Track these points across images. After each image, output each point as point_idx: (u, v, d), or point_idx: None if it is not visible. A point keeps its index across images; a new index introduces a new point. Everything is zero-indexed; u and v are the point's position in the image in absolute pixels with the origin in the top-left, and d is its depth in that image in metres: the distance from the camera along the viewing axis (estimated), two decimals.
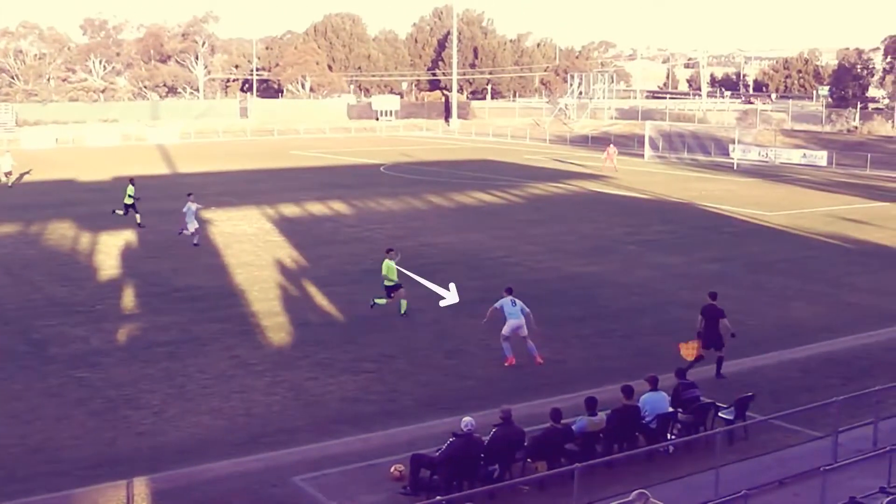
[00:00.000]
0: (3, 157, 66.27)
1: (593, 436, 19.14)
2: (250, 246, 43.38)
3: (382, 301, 31.03)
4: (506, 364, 25.95)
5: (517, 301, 26.20)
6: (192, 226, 43.14)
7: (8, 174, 65.20)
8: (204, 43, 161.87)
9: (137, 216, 48.07)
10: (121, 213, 48.64)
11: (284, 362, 26.28)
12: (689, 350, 25.17)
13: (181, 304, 32.57)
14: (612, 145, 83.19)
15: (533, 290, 34.35)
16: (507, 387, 24.23)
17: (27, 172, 71.16)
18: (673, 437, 20.08)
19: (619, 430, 19.48)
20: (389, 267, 30.81)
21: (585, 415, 19.16)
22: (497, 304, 26.32)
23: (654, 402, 20.02)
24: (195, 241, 42.91)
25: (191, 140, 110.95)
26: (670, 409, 20.18)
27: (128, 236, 45.28)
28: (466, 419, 18.04)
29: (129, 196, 48.31)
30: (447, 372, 25.64)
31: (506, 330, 26.10)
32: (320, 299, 33.57)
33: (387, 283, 30.90)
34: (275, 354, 27.11)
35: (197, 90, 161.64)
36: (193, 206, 43.31)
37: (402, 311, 31.05)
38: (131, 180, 49.93)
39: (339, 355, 26.82)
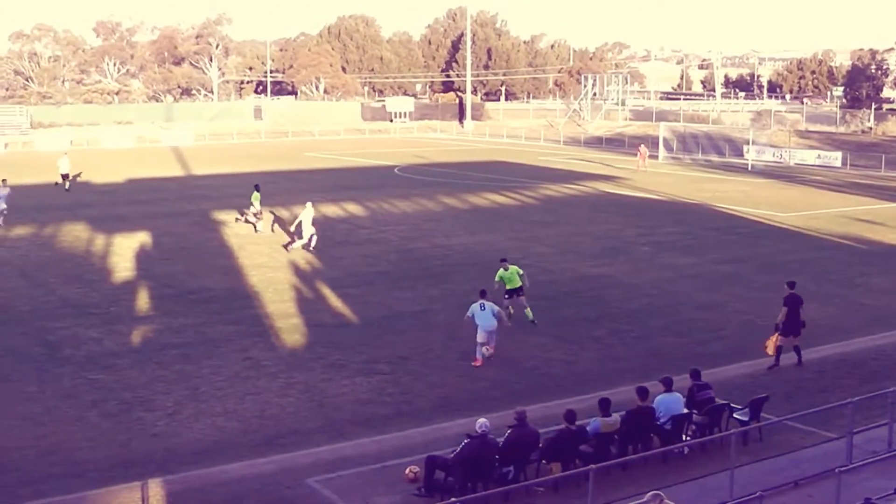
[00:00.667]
0: (62, 159, 65.65)
1: (608, 437, 19.10)
2: (264, 248, 43.41)
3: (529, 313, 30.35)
4: (473, 364, 26.05)
5: (486, 304, 26.18)
6: (254, 210, 47.72)
7: (66, 177, 64.93)
8: (218, 45, 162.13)
9: (256, 224, 48.25)
10: (243, 219, 49.71)
11: (298, 364, 26.29)
12: (771, 343, 25.37)
13: (195, 306, 32.60)
14: (642, 145, 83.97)
15: (546, 291, 34.37)
16: (521, 388, 24.21)
17: (79, 174, 71.03)
18: (688, 438, 20.04)
19: (633, 431, 19.44)
20: (503, 276, 30.44)
21: (599, 416, 19.13)
22: (469, 314, 26.33)
23: (669, 403, 19.98)
24: (257, 228, 47.27)
25: (205, 142, 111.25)
26: (685, 411, 20.13)
27: (142, 238, 45.37)
28: (481, 420, 18.03)
29: (253, 203, 48.52)
30: (461, 373, 25.60)
31: (480, 337, 26.17)
32: (334, 301, 33.57)
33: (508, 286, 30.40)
34: (289, 356, 27.11)
35: (211, 92, 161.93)
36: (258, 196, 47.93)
37: (531, 319, 30.21)
38: (256, 187, 49.82)
39: (353, 357, 26.82)
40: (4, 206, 48.15)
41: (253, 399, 23.37)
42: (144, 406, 22.87)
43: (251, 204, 48.18)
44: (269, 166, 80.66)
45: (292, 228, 43.51)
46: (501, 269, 30.60)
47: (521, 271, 30.38)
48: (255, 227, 47.79)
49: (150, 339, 28.80)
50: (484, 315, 26.01)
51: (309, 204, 43.00)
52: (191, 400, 23.28)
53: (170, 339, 28.69)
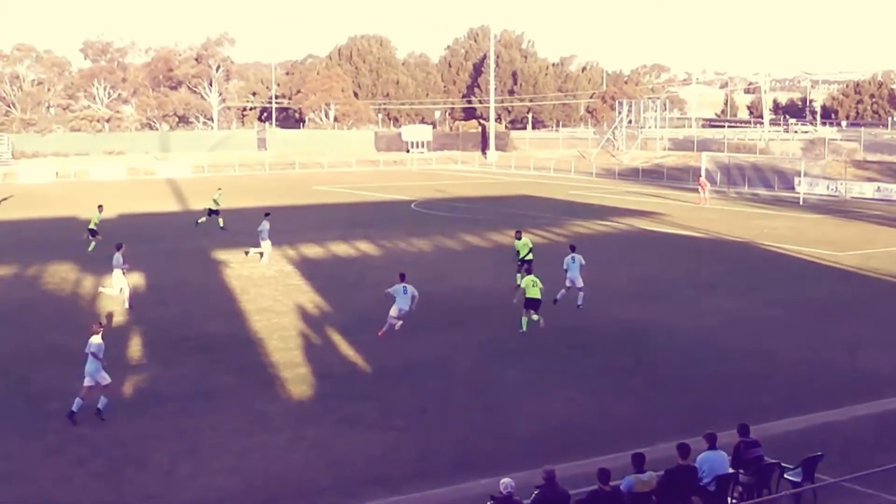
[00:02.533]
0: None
1: (644, 497, 19.03)
2: (269, 290, 43.55)
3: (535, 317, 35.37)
4: (378, 334, 33.85)
5: (409, 287, 34.06)
6: (266, 245, 50.40)
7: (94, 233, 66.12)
8: (218, 68, 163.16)
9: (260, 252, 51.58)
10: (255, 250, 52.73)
11: (306, 417, 26.32)
12: None
13: (193, 354, 32.67)
14: (702, 178, 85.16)
15: (578, 337, 34.44)
16: (550, 445, 24.18)
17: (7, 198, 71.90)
18: (734, 500, 19.96)
19: (673, 492, 19.36)
20: (517, 246, 42.32)
21: (633, 473, 19.08)
22: (391, 290, 34.22)
23: (713, 461, 19.89)
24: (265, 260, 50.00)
25: (204, 174, 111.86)
26: (730, 470, 20.05)
27: (134, 279, 45.51)
28: (505, 481, 18.00)
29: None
30: (484, 428, 25.59)
31: (393, 312, 33.88)
32: (345, 348, 33.63)
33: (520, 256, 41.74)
34: (296, 409, 27.15)
35: (211, 119, 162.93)
36: (268, 224, 50.63)
37: (526, 327, 35.26)
38: (266, 214, 52.46)
39: (366, 410, 26.84)
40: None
41: (256, 456, 23.38)
42: (137, 464, 22.88)
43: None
44: (275, 201, 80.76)
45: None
46: (516, 240, 42.34)
47: (530, 244, 42.68)
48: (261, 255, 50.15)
49: (144, 389, 28.86)
50: (405, 298, 33.93)
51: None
52: (188, 457, 23.30)
53: (165, 389, 28.74)
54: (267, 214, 52.03)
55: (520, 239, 43.11)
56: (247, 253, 51.58)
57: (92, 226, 54.37)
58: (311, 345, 34.08)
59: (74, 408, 25.64)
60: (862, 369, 31.32)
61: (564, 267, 39.31)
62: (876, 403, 27.58)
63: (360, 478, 22.21)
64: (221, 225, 60.74)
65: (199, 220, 61.65)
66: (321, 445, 24.18)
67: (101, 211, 56.35)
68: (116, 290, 40.67)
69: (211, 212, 61.77)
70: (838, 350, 33.55)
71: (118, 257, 40.39)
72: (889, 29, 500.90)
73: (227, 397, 27.95)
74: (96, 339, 25.95)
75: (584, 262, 39.51)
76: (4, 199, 72.03)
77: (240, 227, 61.36)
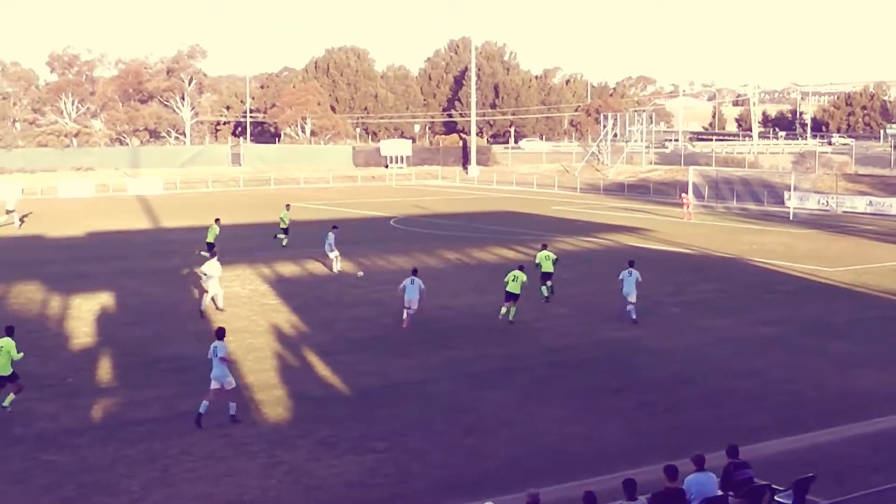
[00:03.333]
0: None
1: None
2: (244, 310, 43.47)
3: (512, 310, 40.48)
4: (403, 326, 38.94)
5: (416, 279, 38.93)
6: (333, 255, 53.70)
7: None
8: (191, 81, 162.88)
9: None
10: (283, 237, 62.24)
11: (282, 441, 26.24)
12: None
13: (165, 377, 32.58)
14: (684, 194, 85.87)
15: (563, 357, 34.53)
16: (534, 467, 24.17)
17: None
18: None
19: None
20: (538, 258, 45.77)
21: (624, 499, 19.08)
22: (402, 285, 39.06)
23: (701, 484, 19.90)
24: (336, 269, 53.59)
25: (176, 191, 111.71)
26: (719, 493, 20.06)
27: (105, 299, 45.45)
28: None
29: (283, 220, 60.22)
30: (466, 451, 25.57)
31: (406, 303, 38.93)
32: (322, 369, 33.58)
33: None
34: (271, 432, 27.07)
35: (183, 134, 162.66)
36: (332, 235, 53.94)
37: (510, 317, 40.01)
38: (335, 227, 55.77)
39: (344, 433, 26.79)
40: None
41: (230, 482, 23.29)
42: (106, 491, 22.77)
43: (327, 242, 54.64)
44: (249, 218, 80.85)
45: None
46: (539, 253, 46.12)
47: (554, 256, 46.11)
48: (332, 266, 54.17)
49: (114, 414, 28.77)
50: (413, 288, 38.84)
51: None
52: (159, 484, 23.20)
53: (135, 414, 28.65)
54: (335, 227, 54.79)
55: (545, 249, 46.65)
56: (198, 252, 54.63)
57: (284, 225, 62.77)
58: (287, 366, 34.01)
59: (202, 410, 27.08)
60: (854, 389, 31.41)
61: (620, 278, 41.00)
62: (868, 423, 27.66)
63: (337, 503, 22.16)
64: (284, 243, 62.83)
65: (277, 235, 63.97)
66: (297, 470, 24.10)
67: (288, 209, 63.92)
68: (214, 286, 43.10)
69: (281, 229, 63.82)
70: (830, 369, 33.64)
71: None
72: (880, 40, 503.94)
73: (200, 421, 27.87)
74: (222, 344, 27.52)
75: (640, 278, 40.81)
76: (14, 215, 73.21)
77: (218, 247, 61.31)
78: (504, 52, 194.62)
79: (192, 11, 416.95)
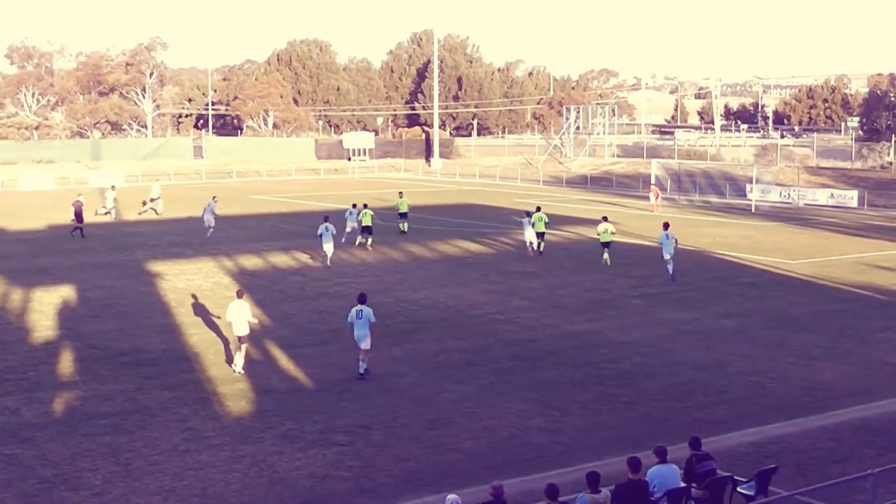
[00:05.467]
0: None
1: None
2: (206, 303, 43.33)
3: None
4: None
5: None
6: (351, 225, 60.11)
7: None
8: (152, 73, 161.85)
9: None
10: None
11: (245, 434, 26.21)
12: None
13: (127, 370, 32.44)
14: (654, 185, 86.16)
15: (526, 350, 34.51)
16: (498, 460, 24.23)
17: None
18: None
19: None
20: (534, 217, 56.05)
21: (587, 492, 19.12)
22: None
23: (664, 475, 19.98)
24: (358, 242, 59.54)
25: (138, 183, 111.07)
26: (682, 484, 20.14)
27: (66, 293, 45.22)
28: (451, 497, 18.01)
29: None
30: (429, 444, 25.60)
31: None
32: (285, 363, 33.55)
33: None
34: (234, 426, 27.03)
35: (144, 127, 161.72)
36: (354, 212, 59.99)
37: None
38: (359, 203, 62.10)
39: (308, 426, 26.77)
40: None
41: (193, 475, 23.25)
42: (68, 484, 22.69)
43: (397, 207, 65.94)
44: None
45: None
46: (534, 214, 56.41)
47: (546, 219, 57.04)
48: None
49: (75, 407, 28.63)
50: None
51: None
52: (122, 477, 23.13)
53: (97, 407, 28.53)
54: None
55: (538, 211, 57.55)
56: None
57: (403, 210, 67.15)
58: (250, 359, 33.89)
59: (361, 370, 30.99)
60: (816, 381, 31.58)
61: (659, 242, 49.47)
62: (830, 415, 27.84)
63: (301, 497, 22.14)
64: (404, 229, 67.19)
65: (400, 225, 67.48)
66: (261, 464, 24.08)
67: (401, 196, 68.33)
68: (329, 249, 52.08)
69: (400, 215, 67.56)
70: (792, 361, 33.80)
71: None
72: (842, 34, 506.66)
73: (161, 414, 27.76)
74: (369, 309, 30.69)
75: (677, 239, 49.55)
76: None
77: (174, 240, 61.11)
78: (467, 45, 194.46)
79: (153, 3, 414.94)
